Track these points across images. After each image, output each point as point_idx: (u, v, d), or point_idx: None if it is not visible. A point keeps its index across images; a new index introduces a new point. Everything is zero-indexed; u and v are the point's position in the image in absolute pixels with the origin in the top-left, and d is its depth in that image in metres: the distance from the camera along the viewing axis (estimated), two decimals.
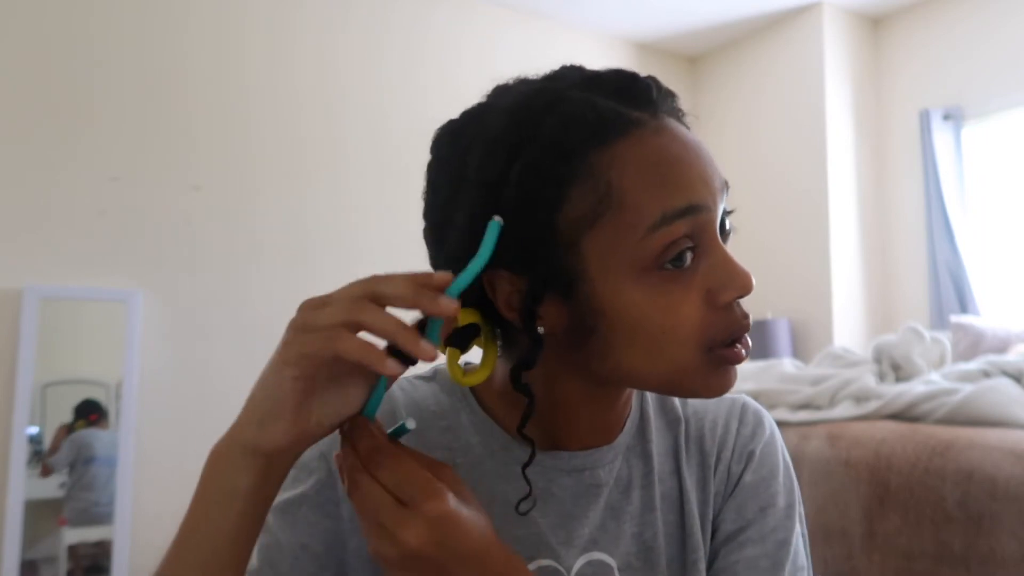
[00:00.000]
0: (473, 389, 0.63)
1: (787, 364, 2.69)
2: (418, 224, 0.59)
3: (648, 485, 0.63)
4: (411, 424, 0.49)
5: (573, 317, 0.53)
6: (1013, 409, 1.93)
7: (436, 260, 0.56)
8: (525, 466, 0.51)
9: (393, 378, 0.47)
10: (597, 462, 0.61)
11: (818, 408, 2.28)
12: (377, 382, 0.49)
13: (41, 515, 2.57)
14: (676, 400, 0.68)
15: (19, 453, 2.50)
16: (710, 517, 0.64)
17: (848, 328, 3.75)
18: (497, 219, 0.49)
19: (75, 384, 2.73)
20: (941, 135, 3.62)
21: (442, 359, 0.56)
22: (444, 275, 0.46)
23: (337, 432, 0.57)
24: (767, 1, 3.81)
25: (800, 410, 2.30)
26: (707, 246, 0.52)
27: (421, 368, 0.66)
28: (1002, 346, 2.88)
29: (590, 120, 0.50)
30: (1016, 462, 1.69)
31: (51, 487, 2.62)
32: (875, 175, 3.94)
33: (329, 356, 0.44)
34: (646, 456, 0.64)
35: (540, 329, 0.52)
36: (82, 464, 2.66)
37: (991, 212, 3.61)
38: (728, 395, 0.64)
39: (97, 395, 2.72)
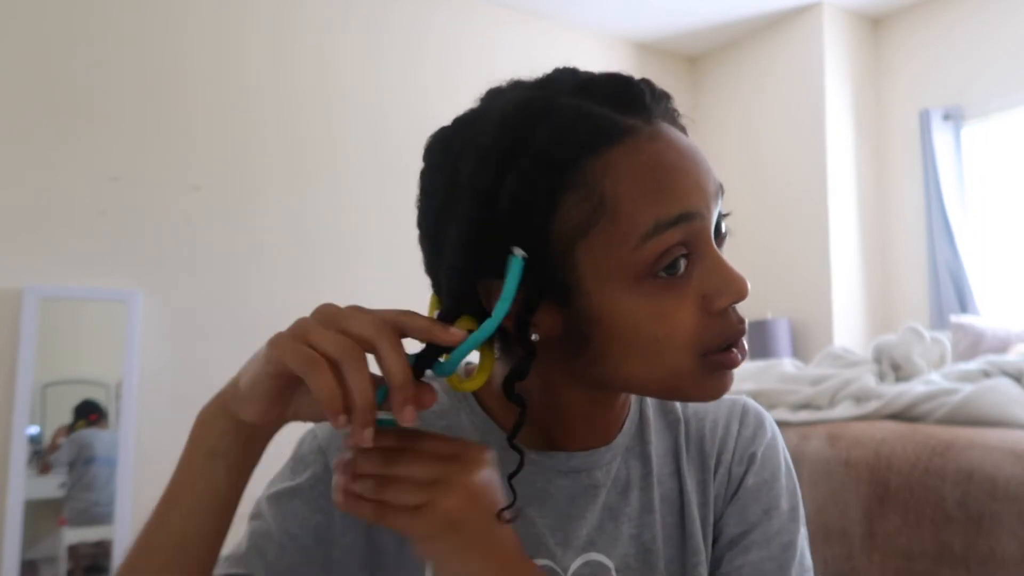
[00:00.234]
0: None
1: (787, 364, 2.69)
2: (415, 224, 0.59)
3: (647, 487, 0.63)
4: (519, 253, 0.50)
5: (568, 325, 0.52)
6: (1013, 409, 1.93)
7: (432, 268, 0.56)
8: (512, 476, 0.51)
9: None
10: (595, 463, 0.61)
11: (818, 408, 2.28)
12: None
13: (41, 515, 2.57)
14: (676, 402, 0.68)
15: (19, 453, 2.50)
16: (711, 520, 0.64)
17: (848, 328, 3.75)
18: (519, 254, 0.49)
19: (75, 384, 2.73)
20: (941, 135, 3.62)
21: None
22: (459, 333, 0.48)
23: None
24: (767, 1, 3.81)
25: (800, 410, 2.30)
26: (701, 252, 0.52)
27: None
28: (1002, 346, 2.88)
29: (582, 129, 0.50)
30: (1016, 462, 1.69)
31: (51, 487, 2.62)
32: (875, 175, 3.94)
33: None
34: (645, 457, 0.64)
35: (535, 337, 0.52)
36: (82, 464, 2.66)
37: (991, 212, 3.61)
38: (728, 396, 0.63)
39: (97, 395, 2.72)
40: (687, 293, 0.51)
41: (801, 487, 0.66)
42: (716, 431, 0.66)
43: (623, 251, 0.50)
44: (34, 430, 2.59)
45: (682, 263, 0.51)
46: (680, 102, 0.57)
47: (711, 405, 0.68)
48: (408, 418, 0.45)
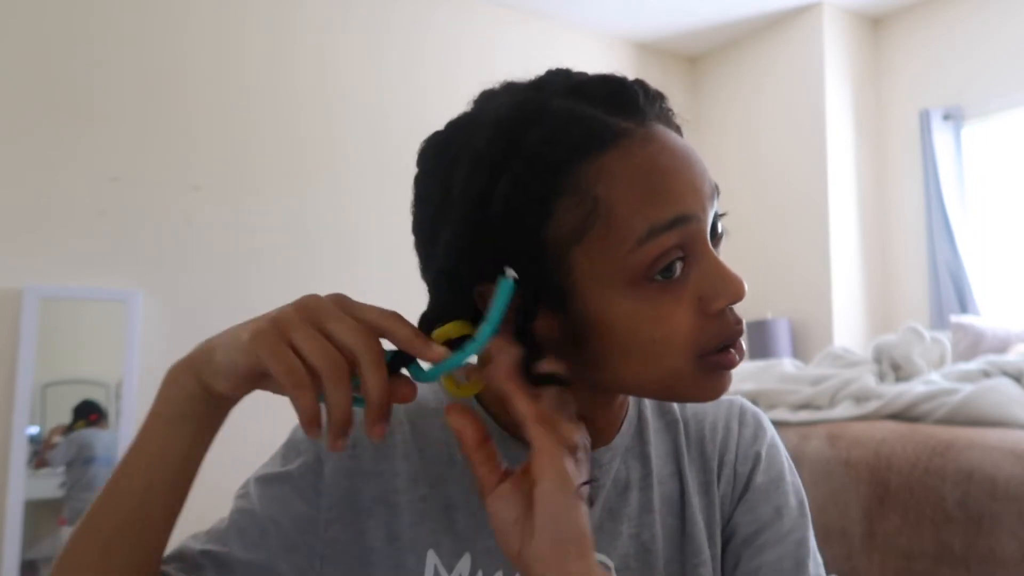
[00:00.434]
0: None
1: (787, 364, 2.69)
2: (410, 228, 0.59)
3: (646, 487, 0.63)
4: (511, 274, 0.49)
5: (565, 329, 0.52)
6: (1013, 409, 1.93)
7: (427, 273, 0.56)
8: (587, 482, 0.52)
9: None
10: (594, 463, 0.61)
11: (818, 408, 2.28)
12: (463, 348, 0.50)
13: (41, 515, 2.57)
14: (674, 402, 0.68)
15: (19, 453, 2.51)
16: (718, 519, 0.64)
17: (848, 328, 3.75)
18: (510, 276, 0.48)
19: (75, 384, 2.73)
20: (941, 135, 3.62)
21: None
22: (441, 351, 0.49)
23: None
24: (767, 1, 3.81)
25: (800, 410, 2.30)
26: (697, 255, 0.51)
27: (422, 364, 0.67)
28: (1002, 346, 2.88)
29: (575, 133, 0.50)
30: (1016, 462, 1.69)
31: (51, 487, 2.62)
32: (875, 175, 3.94)
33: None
34: (644, 458, 0.64)
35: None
36: (82, 464, 2.66)
37: (991, 212, 3.61)
38: (725, 397, 0.64)
39: (97, 395, 2.72)
40: (683, 295, 0.51)
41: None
42: (716, 432, 0.66)
43: (618, 255, 0.50)
44: (34, 430, 2.59)
45: (678, 266, 0.50)
46: (680, 102, 0.56)
47: (709, 406, 0.68)
48: (377, 435, 0.46)
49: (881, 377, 2.40)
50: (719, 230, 0.54)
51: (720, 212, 0.54)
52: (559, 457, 0.48)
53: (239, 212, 3.00)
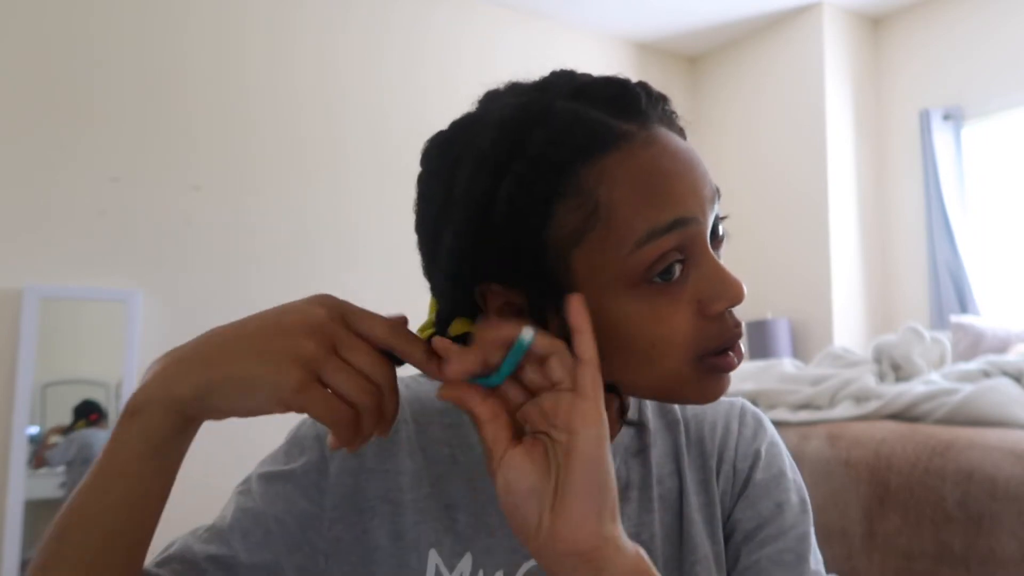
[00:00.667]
0: None
1: (787, 364, 2.69)
2: (413, 227, 0.59)
3: (646, 487, 0.63)
4: (527, 335, 0.47)
5: (564, 329, 0.52)
6: (1013, 409, 1.93)
7: (430, 272, 0.56)
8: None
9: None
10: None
11: (818, 408, 2.28)
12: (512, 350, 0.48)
13: (41, 515, 2.57)
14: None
15: (19, 453, 2.51)
16: (718, 517, 0.64)
17: (848, 328, 3.75)
18: (527, 334, 0.46)
19: (75, 384, 2.73)
20: (941, 135, 3.62)
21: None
22: (455, 369, 0.47)
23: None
24: (767, 1, 3.81)
25: (800, 410, 2.30)
26: (697, 257, 0.52)
27: None
28: (1002, 346, 2.88)
29: (578, 134, 0.50)
30: (1016, 462, 1.69)
31: (51, 487, 2.62)
32: (875, 175, 3.94)
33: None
34: (644, 458, 0.64)
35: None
36: (82, 464, 2.66)
37: (991, 212, 3.61)
38: (725, 398, 0.64)
39: (97, 395, 2.73)
40: (682, 298, 0.51)
41: None
42: (716, 431, 0.67)
43: (618, 257, 0.50)
44: (34, 430, 2.59)
45: (677, 268, 0.51)
46: (680, 102, 0.57)
47: (709, 406, 0.68)
48: (384, 433, 0.49)
49: (881, 377, 2.40)
50: (720, 233, 0.54)
51: (721, 215, 0.55)
52: (600, 404, 0.46)
53: (239, 212, 3.00)
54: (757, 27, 4.08)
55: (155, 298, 2.79)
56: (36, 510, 2.54)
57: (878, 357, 2.45)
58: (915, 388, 2.15)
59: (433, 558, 0.57)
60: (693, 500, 0.64)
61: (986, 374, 2.17)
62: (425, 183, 0.56)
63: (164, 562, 0.54)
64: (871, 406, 2.15)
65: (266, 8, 3.13)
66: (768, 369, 2.65)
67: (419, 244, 0.58)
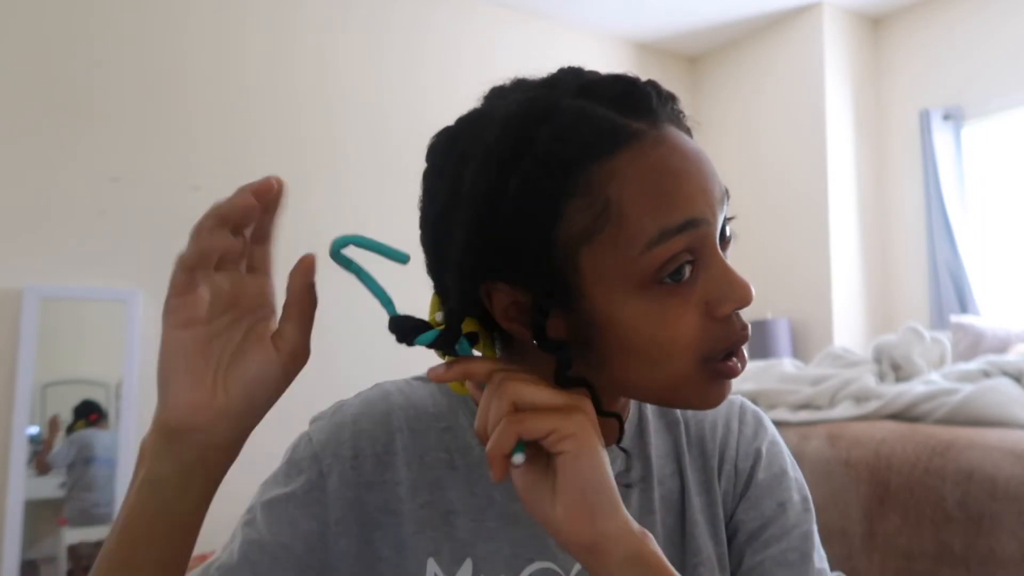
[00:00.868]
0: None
1: (787, 364, 2.69)
2: (418, 224, 0.59)
3: (647, 488, 0.63)
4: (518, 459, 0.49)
5: (571, 329, 0.52)
6: (1013, 409, 1.92)
7: (434, 270, 0.56)
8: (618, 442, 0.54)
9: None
10: None
11: (818, 408, 2.28)
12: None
13: (41, 515, 2.57)
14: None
15: (19, 453, 2.50)
16: (721, 517, 0.64)
17: (848, 328, 3.75)
18: (518, 459, 0.48)
19: (75, 384, 2.73)
20: (941, 135, 3.62)
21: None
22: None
23: (328, 428, 0.59)
24: (767, 1, 3.81)
25: (800, 410, 2.30)
26: (706, 259, 0.51)
27: (420, 370, 0.66)
28: (1002, 346, 2.88)
29: (586, 134, 0.49)
30: (1016, 462, 1.69)
31: (51, 487, 2.62)
32: (875, 175, 3.94)
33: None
34: (645, 458, 0.64)
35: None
36: (82, 464, 2.66)
37: (991, 212, 3.61)
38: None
39: (97, 395, 2.72)
40: (691, 299, 0.51)
41: None
42: (716, 430, 0.66)
43: (627, 258, 0.49)
44: (34, 430, 2.59)
45: (687, 269, 0.50)
46: (681, 104, 0.56)
47: None
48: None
49: (881, 377, 2.40)
50: (727, 234, 0.54)
51: (729, 215, 0.54)
52: (586, 413, 0.49)
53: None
54: (757, 27, 4.08)
55: (155, 298, 2.79)
56: (36, 510, 2.54)
57: (878, 357, 2.45)
58: (915, 388, 2.15)
59: (431, 567, 0.57)
60: (695, 501, 0.63)
61: (986, 374, 2.17)
62: (430, 180, 0.56)
63: None
64: (871, 406, 2.15)
65: (266, 8, 3.13)
66: (768, 369, 2.65)
67: (423, 241, 0.57)
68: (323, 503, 0.57)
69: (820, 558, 0.62)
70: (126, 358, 2.68)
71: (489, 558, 0.58)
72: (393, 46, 3.41)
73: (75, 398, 2.70)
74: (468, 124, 0.54)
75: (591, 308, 0.51)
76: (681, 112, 0.55)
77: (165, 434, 0.47)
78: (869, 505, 1.89)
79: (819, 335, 3.75)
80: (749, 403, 0.69)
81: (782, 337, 3.71)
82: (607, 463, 0.48)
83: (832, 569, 0.64)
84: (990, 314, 3.47)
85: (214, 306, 0.49)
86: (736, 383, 2.59)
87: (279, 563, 0.56)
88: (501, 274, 0.51)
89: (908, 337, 2.46)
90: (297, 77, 3.17)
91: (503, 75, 0.57)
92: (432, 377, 0.52)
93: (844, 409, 2.19)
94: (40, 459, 2.61)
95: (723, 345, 0.52)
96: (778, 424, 2.16)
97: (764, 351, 3.62)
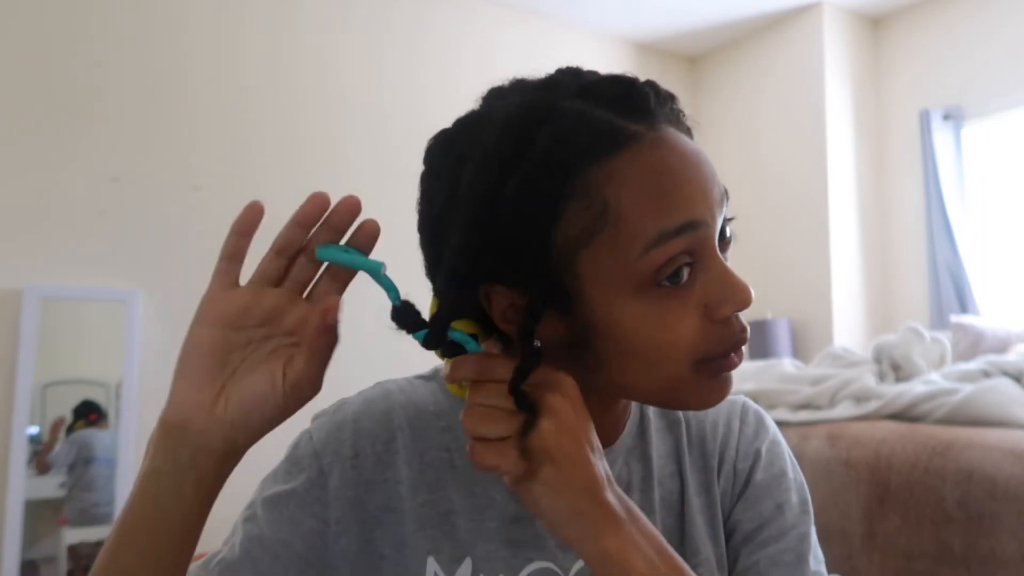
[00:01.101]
0: None
1: (787, 364, 2.69)
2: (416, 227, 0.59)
3: (647, 488, 0.63)
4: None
5: (570, 332, 0.52)
6: (1013, 409, 1.92)
7: (433, 272, 0.56)
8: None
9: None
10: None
11: (818, 408, 2.28)
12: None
13: (41, 515, 2.57)
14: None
15: (19, 453, 2.50)
16: (720, 517, 0.64)
17: (848, 328, 3.75)
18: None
19: (75, 384, 2.73)
20: (941, 135, 3.62)
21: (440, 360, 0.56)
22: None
23: (329, 427, 0.60)
24: (767, 1, 3.81)
25: (800, 410, 2.30)
26: (705, 261, 0.51)
27: (420, 369, 0.66)
28: (1002, 346, 2.88)
29: (585, 136, 0.49)
30: (1016, 462, 1.69)
31: (51, 487, 2.62)
32: (875, 175, 3.94)
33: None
34: (645, 459, 0.64)
35: (536, 343, 0.51)
36: (82, 464, 2.66)
37: (991, 212, 3.61)
38: (727, 398, 0.64)
39: (97, 395, 2.72)
40: (690, 301, 0.50)
41: None
42: (717, 430, 0.66)
43: (626, 260, 0.49)
44: (34, 430, 2.59)
45: (685, 271, 0.50)
46: (680, 103, 0.56)
47: None
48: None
49: (881, 377, 2.40)
50: (727, 234, 0.54)
51: (728, 217, 0.54)
52: (563, 403, 0.49)
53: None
54: (757, 27, 4.08)
55: (155, 298, 2.79)
56: (36, 510, 2.54)
57: (878, 357, 2.45)
58: (915, 388, 2.15)
59: (431, 566, 0.57)
60: (695, 502, 0.63)
61: (986, 374, 2.17)
62: (428, 181, 0.56)
63: None
64: (871, 406, 2.15)
65: (266, 8, 3.13)
66: (768, 369, 2.65)
67: (421, 244, 0.57)
68: (324, 501, 0.57)
69: (817, 560, 0.62)
70: (126, 358, 2.68)
71: (488, 557, 0.58)
72: (393, 46, 3.41)
73: (75, 398, 2.70)
74: (466, 126, 0.54)
75: (589, 310, 0.51)
76: (681, 112, 0.55)
77: (164, 429, 0.48)
78: (869, 505, 1.89)
79: (819, 335, 3.75)
80: (752, 403, 0.69)
81: (782, 337, 3.71)
82: (591, 458, 0.49)
83: (832, 570, 0.64)
84: (990, 314, 3.47)
85: (249, 314, 0.50)
86: (736, 383, 2.58)
87: (280, 560, 0.56)
88: (499, 276, 0.51)
89: (908, 337, 2.46)
90: (297, 77, 3.17)
91: (503, 75, 0.57)
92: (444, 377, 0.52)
93: (844, 409, 2.19)
94: (40, 459, 2.61)
95: (722, 347, 0.52)
96: (778, 424, 2.16)
97: (764, 351, 3.62)
